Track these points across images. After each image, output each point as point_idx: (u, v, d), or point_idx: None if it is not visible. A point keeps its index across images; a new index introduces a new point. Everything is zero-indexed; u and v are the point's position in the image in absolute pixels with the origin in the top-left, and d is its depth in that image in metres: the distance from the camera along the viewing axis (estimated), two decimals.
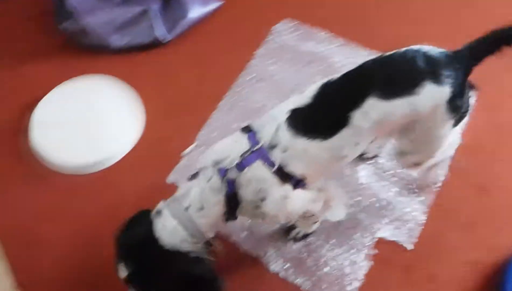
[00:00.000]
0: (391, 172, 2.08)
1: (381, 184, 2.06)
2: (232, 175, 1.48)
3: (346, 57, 2.43)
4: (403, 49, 1.54)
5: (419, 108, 1.49)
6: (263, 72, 2.45)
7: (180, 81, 2.47)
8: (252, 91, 2.38)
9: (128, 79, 2.45)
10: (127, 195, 2.10)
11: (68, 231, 2.03)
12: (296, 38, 2.55)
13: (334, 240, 1.93)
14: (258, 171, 1.48)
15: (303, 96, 1.52)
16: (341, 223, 1.93)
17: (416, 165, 1.76)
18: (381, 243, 1.92)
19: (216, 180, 1.49)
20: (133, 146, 2.28)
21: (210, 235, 1.57)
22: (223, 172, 1.48)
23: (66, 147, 2.26)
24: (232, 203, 1.52)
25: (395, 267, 1.87)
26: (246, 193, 1.51)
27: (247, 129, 1.54)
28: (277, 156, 1.49)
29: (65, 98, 2.40)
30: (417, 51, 1.51)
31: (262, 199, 1.51)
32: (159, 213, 1.52)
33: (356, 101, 1.47)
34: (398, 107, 1.48)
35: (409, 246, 1.91)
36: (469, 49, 1.55)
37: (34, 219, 2.08)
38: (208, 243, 1.58)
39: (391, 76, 1.50)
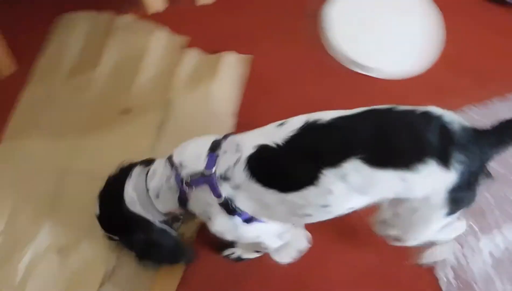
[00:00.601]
0: None
1: None
2: (184, 186, 1.42)
3: None
4: (421, 109, 1.27)
5: (414, 188, 1.25)
6: None
7: None
8: None
9: None
10: None
11: None
12: None
13: None
14: (204, 195, 1.39)
15: (277, 132, 1.32)
16: None
17: (396, 240, 1.47)
18: None
19: (173, 182, 1.45)
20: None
21: (177, 212, 1.58)
22: (178, 179, 1.43)
23: (358, 44, 2.28)
24: (184, 205, 1.48)
25: None
26: (194, 207, 1.46)
27: (214, 146, 1.42)
28: (226, 190, 1.36)
29: None
30: (436, 117, 1.25)
31: (209, 218, 1.45)
32: (130, 176, 1.55)
33: (333, 159, 1.24)
34: (387, 180, 1.25)
35: None
36: (499, 131, 1.27)
37: None
38: (175, 218, 1.63)
39: (388, 138, 1.25)
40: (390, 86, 2.20)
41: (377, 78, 2.23)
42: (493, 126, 1.27)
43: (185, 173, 1.42)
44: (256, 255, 1.76)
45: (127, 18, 2.37)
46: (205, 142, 1.44)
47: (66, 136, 2.03)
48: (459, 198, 1.27)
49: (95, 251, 1.77)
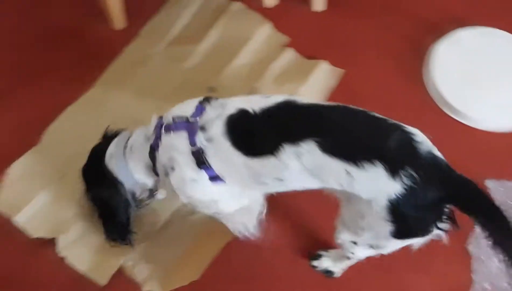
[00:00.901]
0: None
1: None
2: (161, 131, 1.46)
3: None
4: (393, 122, 1.31)
5: (357, 185, 1.28)
6: None
7: None
8: None
9: None
10: None
11: None
12: None
13: None
14: (178, 142, 1.43)
15: (259, 102, 1.38)
16: None
17: (353, 243, 1.48)
18: None
19: (150, 132, 1.51)
20: None
21: (148, 183, 1.64)
22: (159, 126, 1.47)
23: (461, 90, 2.21)
24: (152, 157, 1.51)
25: None
26: (161, 154, 1.49)
27: (204, 101, 1.47)
28: (200, 140, 1.40)
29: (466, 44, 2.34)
30: (407, 132, 1.28)
31: (172, 168, 1.46)
32: (120, 134, 1.65)
33: (294, 137, 1.30)
34: (334, 169, 1.28)
35: None
36: (464, 183, 1.27)
37: None
38: (150, 193, 1.71)
39: (349, 131, 1.30)
40: (488, 138, 2.12)
41: (474, 128, 2.14)
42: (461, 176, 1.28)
43: (169, 117, 1.47)
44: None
45: (240, 6, 2.45)
46: (198, 99, 1.49)
47: (150, 98, 2.14)
48: (402, 213, 1.26)
49: None
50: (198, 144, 1.40)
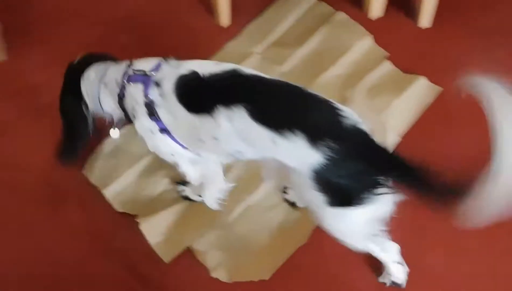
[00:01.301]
0: None
1: None
2: (124, 81, 1.62)
3: None
4: (324, 98, 1.41)
5: (281, 153, 1.40)
6: None
7: None
8: None
9: None
10: None
11: None
12: None
13: None
14: (136, 92, 1.59)
15: (210, 67, 1.52)
16: None
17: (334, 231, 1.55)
18: None
19: (120, 79, 1.64)
20: None
21: (113, 115, 1.77)
22: (126, 76, 1.62)
23: None
24: (121, 104, 1.66)
25: None
26: (127, 103, 1.64)
27: (165, 59, 1.62)
28: (154, 94, 1.55)
29: None
30: (334, 107, 1.38)
31: (133, 116, 1.64)
32: (104, 60, 1.75)
33: (228, 101, 1.42)
34: (261, 136, 1.39)
35: None
36: (385, 155, 1.39)
37: None
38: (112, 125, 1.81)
39: (278, 102, 1.43)
40: None
41: None
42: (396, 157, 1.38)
43: (132, 69, 1.63)
44: (198, 198, 1.91)
45: (343, 16, 2.45)
46: (159, 58, 1.64)
47: None
48: (327, 182, 1.35)
49: None
50: (151, 97, 1.56)
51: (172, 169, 1.85)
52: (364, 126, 1.38)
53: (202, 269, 1.84)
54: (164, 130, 1.61)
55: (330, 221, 1.50)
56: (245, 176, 1.99)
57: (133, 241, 1.91)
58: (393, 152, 1.41)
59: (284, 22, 2.46)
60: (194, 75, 1.51)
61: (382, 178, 1.37)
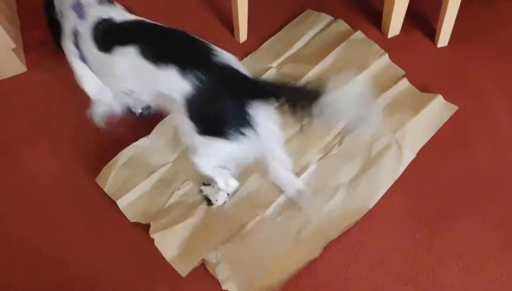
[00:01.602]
0: None
1: None
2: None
3: None
4: (204, 41, 1.60)
5: (159, 83, 1.57)
6: None
7: None
8: None
9: None
10: None
11: None
12: None
13: None
14: (71, 16, 1.80)
15: (126, 16, 1.74)
16: None
17: (192, 152, 1.71)
18: None
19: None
20: None
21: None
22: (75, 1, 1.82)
23: None
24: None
25: None
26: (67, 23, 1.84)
27: (107, 1, 1.83)
28: (81, 25, 1.76)
29: None
30: (210, 48, 1.56)
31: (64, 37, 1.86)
32: None
33: (124, 41, 1.63)
34: (146, 71, 1.57)
35: None
36: (255, 85, 1.55)
37: None
38: None
39: (165, 42, 1.61)
40: None
41: None
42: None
43: None
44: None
45: (360, 35, 2.46)
46: None
47: None
48: (195, 110, 1.53)
49: None
50: (77, 27, 1.77)
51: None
52: (237, 65, 1.56)
53: (215, 281, 1.83)
54: (82, 59, 1.83)
55: (197, 146, 1.66)
56: (259, 190, 2.00)
57: (147, 252, 1.92)
58: (257, 79, 1.64)
59: (301, 39, 2.47)
60: (111, 20, 1.72)
61: (248, 114, 1.51)
